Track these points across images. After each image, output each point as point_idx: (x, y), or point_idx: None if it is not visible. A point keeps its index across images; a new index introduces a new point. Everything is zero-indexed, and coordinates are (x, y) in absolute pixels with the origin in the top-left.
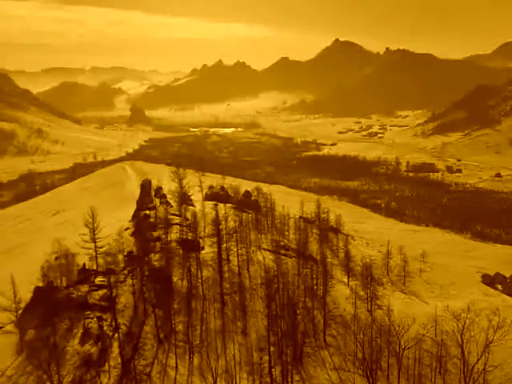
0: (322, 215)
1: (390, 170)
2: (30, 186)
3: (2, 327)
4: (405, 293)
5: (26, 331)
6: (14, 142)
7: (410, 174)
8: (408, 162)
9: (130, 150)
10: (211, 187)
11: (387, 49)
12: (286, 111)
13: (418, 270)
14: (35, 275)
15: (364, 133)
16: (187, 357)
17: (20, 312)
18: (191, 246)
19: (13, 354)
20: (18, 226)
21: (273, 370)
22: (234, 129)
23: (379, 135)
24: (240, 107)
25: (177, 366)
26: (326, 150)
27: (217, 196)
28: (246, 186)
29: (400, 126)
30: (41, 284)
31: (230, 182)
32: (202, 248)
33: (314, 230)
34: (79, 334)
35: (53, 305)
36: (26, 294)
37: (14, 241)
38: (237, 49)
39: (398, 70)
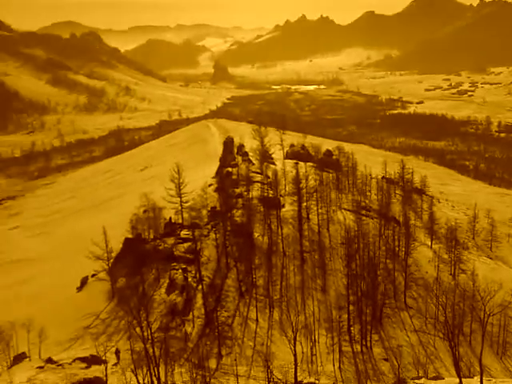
0: (406, 176)
1: (480, 130)
2: (119, 142)
3: (96, 274)
4: (491, 258)
5: (117, 279)
6: (104, 99)
7: (502, 135)
8: (500, 122)
9: (213, 108)
10: (292, 146)
11: (481, 0)
12: (370, 68)
13: (507, 235)
14: (125, 227)
15: (453, 90)
16: (267, 311)
17: (111, 261)
18: (272, 204)
19: (106, 300)
20: (109, 180)
21: (352, 328)
22: (316, 86)
23: (469, 93)
24: (323, 64)
25: (257, 319)
26: (411, 109)
27: (297, 155)
28: (327, 144)
29: (492, 84)
30: (130, 236)
31: (310, 140)
32: (283, 206)
33: (397, 191)
34: (165, 284)
35: (141, 255)
36: (116, 245)
37: (105, 194)
38: (321, 3)
39: (493, 23)
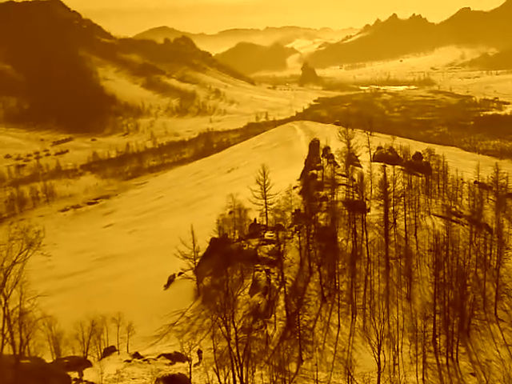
0: (501, 180)
1: None
2: (208, 144)
3: (183, 273)
4: None
5: (202, 278)
6: (195, 102)
7: None
8: None
9: (300, 110)
10: (379, 148)
11: None
12: (464, 67)
13: None
14: (211, 227)
15: None
16: (350, 317)
17: (198, 260)
18: (357, 207)
19: (191, 298)
20: (197, 181)
21: (437, 338)
22: (406, 86)
23: None
24: (414, 63)
25: (339, 325)
26: (508, 109)
27: (385, 157)
28: (416, 147)
29: None
30: (216, 235)
31: (399, 142)
32: (368, 210)
33: (490, 197)
34: (249, 285)
35: (226, 255)
36: (203, 244)
37: (194, 195)
38: (413, 1)
39: None
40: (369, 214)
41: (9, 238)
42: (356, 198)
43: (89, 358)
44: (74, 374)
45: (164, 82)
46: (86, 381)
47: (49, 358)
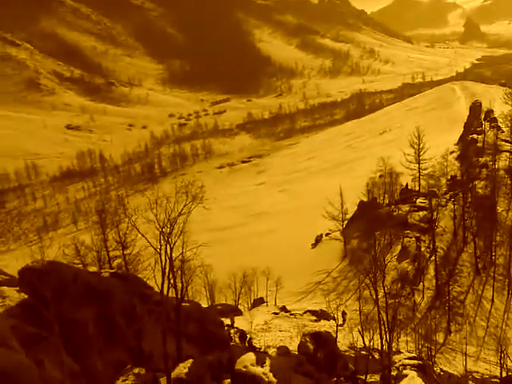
0: None
1: None
2: (360, 105)
3: (330, 234)
4: None
5: (349, 240)
6: (348, 62)
7: None
8: None
9: (461, 70)
10: None
11: None
12: None
13: None
14: (360, 190)
15: None
16: (505, 292)
17: (345, 222)
18: None
19: (337, 259)
20: (348, 142)
21: None
22: None
23: None
24: None
25: (493, 299)
26: None
27: None
28: None
29: None
30: (365, 199)
31: None
32: None
33: None
34: (397, 251)
35: (375, 219)
36: (351, 207)
37: (344, 157)
38: None
39: None
40: None
41: (175, 191)
42: None
43: (239, 306)
44: (226, 321)
45: (318, 42)
46: (236, 328)
47: (204, 304)
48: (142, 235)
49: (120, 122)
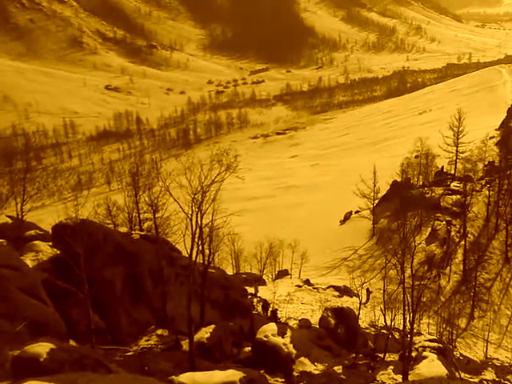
0: None
1: None
2: (401, 83)
3: (359, 211)
4: None
5: (379, 219)
6: (393, 38)
7: None
8: None
9: (511, 52)
10: None
11: None
12: None
13: None
14: (395, 169)
15: None
16: None
17: (376, 201)
18: None
19: (365, 237)
20: (386, 121)
21: None
22: None
23: None
24: None
25: None
26: None
27: None
28: None
29: None
30: (399, 179)
31: None
32: None
33: None
34: (426, 233)
35: (407, 200)
36: (383, 186)
37: (380, 135)
38: None
39: None
40: None
41: (210, 158)
42: None
43: (264, 277)
44: (250, 289)
45: (364, 15)
46: (259, 297)
47: (230, 271)
48: (175, 199)
49: (159, 85)
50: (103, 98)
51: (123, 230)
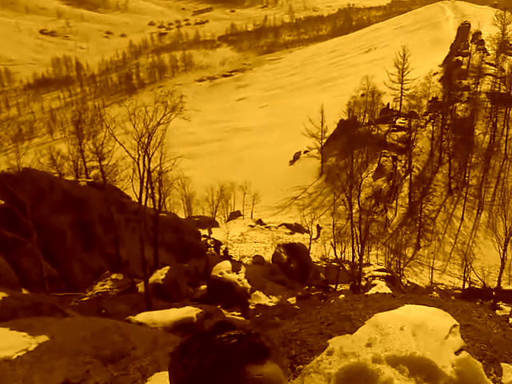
0: None
1: None
2: (347, 21)
3: (308, 151)
4: None
5: (327, 158)
6: None
7: None
8: None
9: None
10: None
11: None
12: None
13: None
14: (341, 108)
15: None
16: (475, 211)
17: (324, 140)
18: (502, 101)
19: (315, 176)
20: (332, 60)
21: None
22: None
23: None
24: None
25: (462, 218)
26: None
27: None
28: None
29: None
30: (346, 118)
31: None
32: None
33: None
34: (373, 170)
35: (354, 138)
36: (331, 125)
37: (327, 74)
38: None
39: None
40: None
41: (154, 100)
42: (502, 91)
43: (216, 219)
44: (204, 232)
45: None
46: (213, 238)
47: (182, 215)
48: (120, 144)
49: (97, 28)
50: (39, 43)
51: (70, 178)
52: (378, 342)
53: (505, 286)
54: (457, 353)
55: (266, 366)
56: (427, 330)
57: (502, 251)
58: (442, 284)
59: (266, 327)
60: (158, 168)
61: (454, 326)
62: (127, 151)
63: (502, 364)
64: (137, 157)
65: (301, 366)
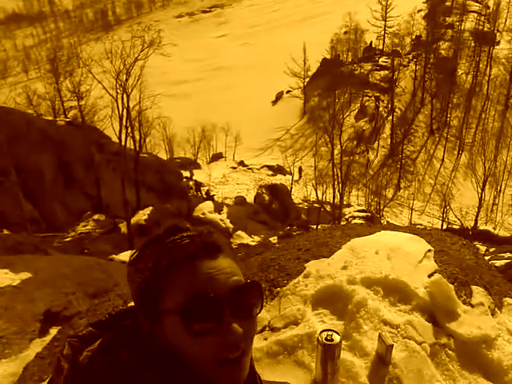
0: None
1: None
2: None
3: (291, 91)
4: None
5: (310, 98)
6: None
7: None
8: None
9: None
10: None
11: None
12: None
13: None
14: (324, 46)
15: None
16: (456, 152)
17: (307, 80)
18: (485, 39)
19: (297, 117)
20: None
21: None
22: None
23: None
24: None
25: (443, 159)
26: None
27: None
28: None
29: None
30: (328, 56)
31: None
32: (497, 43)
33: None
34: (356, 110)
35: (337, 78)
36: (314, 64)
37: (310, 11)
38: None
39: None
40: (497, 47)
41: (131, 35)
42: (486, 29)
43: (198, 161)
44: (185, 173)
45: None
46: (195, 180)
47: (163, 156)
48: (98, 81)
49: None
50: None
51: (48, 118)
52: (354, 264)
53: (481, 226)
54: (430, 276)
55: (217, 261)
56: (402, 254)
57: (480, 191)
58: (420, 224)
59: None
60: (138, 107)
61: (429, 250)
62: (105, 89)
63: (473, 287)
64: (115, 95)
65: (278, 289)
